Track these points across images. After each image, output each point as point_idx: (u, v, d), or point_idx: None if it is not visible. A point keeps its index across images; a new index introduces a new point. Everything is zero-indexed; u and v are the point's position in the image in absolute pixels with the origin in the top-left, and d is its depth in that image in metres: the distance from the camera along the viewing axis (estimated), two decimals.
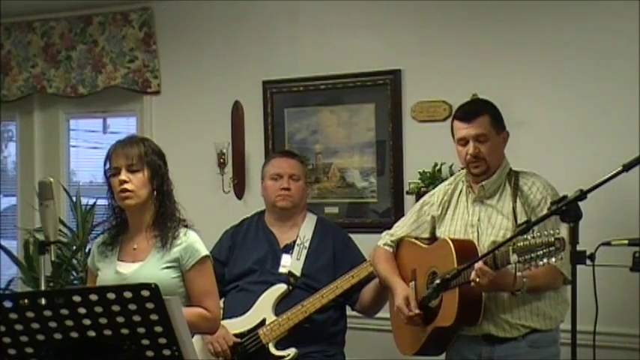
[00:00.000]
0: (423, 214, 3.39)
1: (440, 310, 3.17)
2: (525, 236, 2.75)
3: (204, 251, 3.02)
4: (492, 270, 2.93)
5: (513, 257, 2.78)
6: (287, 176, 3.76)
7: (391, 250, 3.46)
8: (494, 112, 3.23)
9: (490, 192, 3.22)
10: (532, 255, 2.72)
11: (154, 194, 3.00)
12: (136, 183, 2.96)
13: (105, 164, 3.04)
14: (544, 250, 2.68)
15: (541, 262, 2.70)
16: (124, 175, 2.96)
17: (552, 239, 2.67)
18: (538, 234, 2.73)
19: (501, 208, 3.17)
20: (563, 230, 2.94)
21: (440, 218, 3.33)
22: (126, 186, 2.95)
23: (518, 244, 2.77)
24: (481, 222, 3.20)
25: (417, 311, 3.22)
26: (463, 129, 3.19)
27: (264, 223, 3.84)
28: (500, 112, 3.26)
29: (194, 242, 3.01)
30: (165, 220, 3.00)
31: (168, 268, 2.96)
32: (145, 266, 2.97)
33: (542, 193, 3.13)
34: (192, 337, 2.97)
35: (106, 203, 3.12)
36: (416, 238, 3.39)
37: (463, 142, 3.19)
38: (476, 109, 3.24)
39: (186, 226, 3.04)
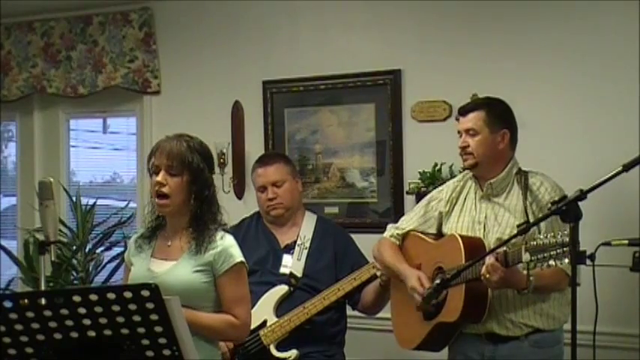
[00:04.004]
0: (431, 210, 3.39)
1: (444, 306, 3.17)
2: (539, 235, 2.76)
3: (240, 257, 2.90)
4: (503, 267, 2.93)
5: (525, 256, 2.78)
6: (269, 186, 3.72)
7: (397, 242, 3.46)
8: (492, 109, 3.24)
9: (498, 190, 3.23)
10: (545, 255, 2.72)
11: (192, 198, 2.89)
12: (172, 187, 2.86)
13: (149, 159, 2.94)
14: (558, 251, 2.68)
15: (552, 263, 2.70)
16: (161, 178, 2.86)
17: (567, 239, 2.64)
18: (552, 234, 2.73)
19: (509, 206, 3.19)
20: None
21: (447, 214, 3.34)
22: (162, 189, 2.86)
23: (532, 243, 2.77)
24: (488, 219, 3.21)
25: (429, 285, 3.17)
26: (459, 123, 3.28)
27: (264, 224, 3.83)
28: (504, 112, 3.27)
29: (229, 247, 2.90)
30: (202, 226, 2.89)
31: (199, 271, 2.86)
32: (177, 267, 2.88)
33: (550, 193, 3.14)
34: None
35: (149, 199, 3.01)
36: (422, 233, 3.39)
37: (459, 135, 3.27)
38: (472, 105, 3.30)
39: (224, 230, 2.94)
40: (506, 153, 3.25)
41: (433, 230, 3.38)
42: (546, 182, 3.19)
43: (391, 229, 3.49)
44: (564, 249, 2.66)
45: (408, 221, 3.45)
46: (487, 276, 2.94)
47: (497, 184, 3.23)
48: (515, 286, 3.01)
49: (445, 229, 3.33)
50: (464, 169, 3.35)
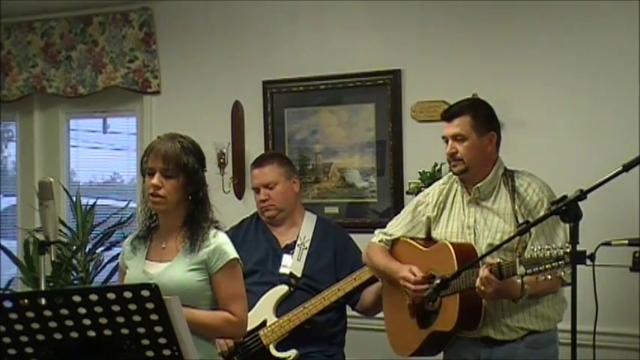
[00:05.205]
0: (418, 215, 3.37)
1: (439, 314, 3.16)
2: (533, 248, 2.74)
3: (233, 253, 2.91)
4: (497, 279, 2.92)
5: (520, 269, 2.76)
6: (262, 187, 3.74)
7: (387, 247, 3.44)
8: (478, 112, 3.20)
9: (485, 193, 3.20)
10: (539, 268, 2.69)
11: (189, 198, 2.91)
12: (168, 189, 2.86)
13: (143, 158, 2.94)
14: (553, 264, 2.66)
15: (549, 276, 2.69)
16: (156, 180, 2.86)
17: (562, 253, 2.63)
18: (547, 247, 2.70)
19: (497, 210, 3.16)
20: (561, 233, 2.96)
21: (435, 219, 3.31)
22: (158, 192, 2.86)
23: (526, 256, 2.75)
24: (477, 223, 3.18)
25: (422, 274, 3.17)
26: (445, 128, 3.23)
27: (263, 224, 3.83)
28: (489, 114, 3.23)
29: (223, 244, 2.90)
30: (196, 224, 2.90)
31: (194, 270, 2.86)
32: (171, 267, 2.88)
33: (538, 194, 3.12)
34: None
35: (141, 201, 3.01)
36: (411, 239, 3.37)
37: (445, 140, 3.23)
38: (457, 110, 3.23)
39: (217, 228, 2.94)
40: (493, 155, 3.22)
41: (422, 235, 3.35)
42: (534, 183, 3.17)
43: (379, 235, 3.46)
44: (559, 262, 2.64)
45: (396, 227, 3.42)
46: (482, 288, 2.93)
47: (485, 187, 3.20)
48: (510, 297, 3.01)
49: (434, 234, 3.31)
50: (455, 174, 3.27)
